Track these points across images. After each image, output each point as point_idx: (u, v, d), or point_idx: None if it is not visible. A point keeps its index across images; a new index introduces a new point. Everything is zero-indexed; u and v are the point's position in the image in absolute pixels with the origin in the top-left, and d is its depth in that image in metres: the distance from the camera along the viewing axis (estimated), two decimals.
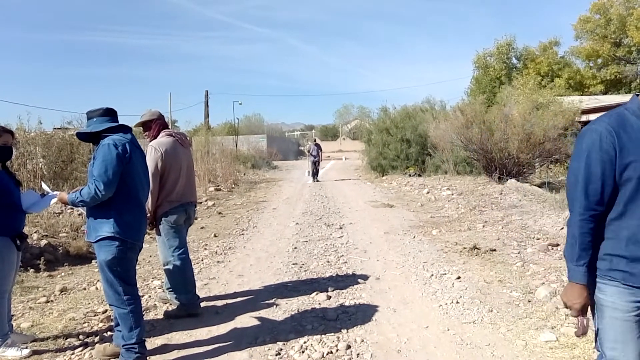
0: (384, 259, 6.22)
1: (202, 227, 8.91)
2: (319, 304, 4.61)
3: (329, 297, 4.76)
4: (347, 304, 4.59)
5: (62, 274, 5.87)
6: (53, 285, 5.31)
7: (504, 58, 31.55)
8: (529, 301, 4.46)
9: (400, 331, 3.92)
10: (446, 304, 4.48)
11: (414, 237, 7.53)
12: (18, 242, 3.62)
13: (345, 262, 6.12)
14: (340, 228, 8.49)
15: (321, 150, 19.27)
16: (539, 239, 6.84)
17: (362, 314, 4.32)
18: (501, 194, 10.94)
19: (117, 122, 3.45)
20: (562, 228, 7.04)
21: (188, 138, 4.74)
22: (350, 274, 5.58)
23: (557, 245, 6.27)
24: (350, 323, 4.10)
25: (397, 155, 19.22)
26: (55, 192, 3.62)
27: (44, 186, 3.84)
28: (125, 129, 3.44)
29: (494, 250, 6.31)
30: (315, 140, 21.69)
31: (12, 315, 3.95)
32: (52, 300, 4.84)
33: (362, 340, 3.74)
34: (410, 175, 17.71)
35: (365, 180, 19.24)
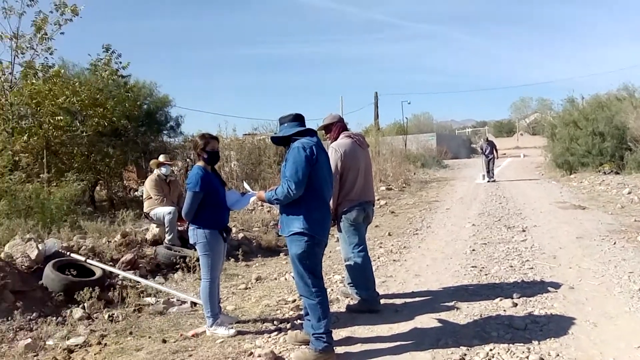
0: (578, 267, 5.58)
1: (376, 226, 9.09)
2: (504, 310, 4.33)
3: (515, 305, 4.44)
4: (536, 313, 4.23)
5: (256, 264, 6.56)
6: (250, 274, 5.96)
7: None
8: None
9: (604, 349, 3.46)
10: None
11: (615, 243, 6.60)
12: (224, 234, 4.15)
13: (532, 268, 5.64)
14: (523, 231, 7.86)
15: (495, 147, 17.98)
16: None
17: (555, 325, 3.93)
18: None
19: (305, 126, 3.70)
20: None
21: (365, 139, 4.87)
22: (537, 281, 5.14)
23: None
24: (541, 334, 3.76)
25: (587, 151, 17.07)
26: (254, 192, 4.05)
27: (245, 185, 4.32)
28: (312, 133, 3.68)
29: None
30: (487, 138, 20.35)
31: (220, 299, 4.53)
32: (249, 287, 5.44)
33: (557, 355, 3.40)
34: (605, 172, 15.58)
35: (549, 178, 17.51)
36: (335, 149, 4.47)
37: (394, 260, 6.42)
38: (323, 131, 4.86)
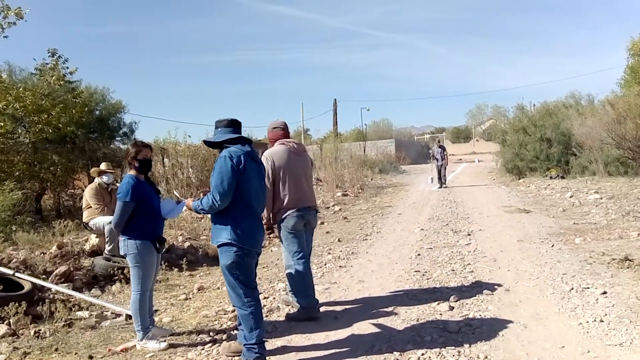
0: (516, 269, 5.74)
1: (327, 232, 9.10)
2: (440, 314, 4.39)
3: (452, 308, 4.51)
4: (471, 316, 4.30)
5: (201, 273, 6.42)
6: (192, 284, 5.83)
7: None
8: None
9: (531, 350, 3.55)
10: (587, 322, 3.96)
11: (553, 245, 6.83)
12: (157, 245, 4.03)
13: (472, 272, 5.76)
14: (468, 235, 8.04)
15: (446, 152, 17.94)
16: None
17: (488, 328, 4.01)
18: None
19: (239, 133, 3.64)
20: None
21: (302, 145, 4.82)
22: (476, 284, 5.24)
23: None
24: (473, 337, 3.83)
25: (535, 156, 17.73)
26: (184, 200, 3.96)
27: (176, 194, 4.23)
28: (244, 141, 3.61)
29: None
30: (439, 142, 20.59)
31: (156, 310, 4.40)
32: (190, 298, 5.31)
33: (486, 357, 3.47)
34: (551, 177, 16.20)
35: (500, 183, 18.04)
36: (266, 158, 4.39)
37: (340, 266, 6.43)
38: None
